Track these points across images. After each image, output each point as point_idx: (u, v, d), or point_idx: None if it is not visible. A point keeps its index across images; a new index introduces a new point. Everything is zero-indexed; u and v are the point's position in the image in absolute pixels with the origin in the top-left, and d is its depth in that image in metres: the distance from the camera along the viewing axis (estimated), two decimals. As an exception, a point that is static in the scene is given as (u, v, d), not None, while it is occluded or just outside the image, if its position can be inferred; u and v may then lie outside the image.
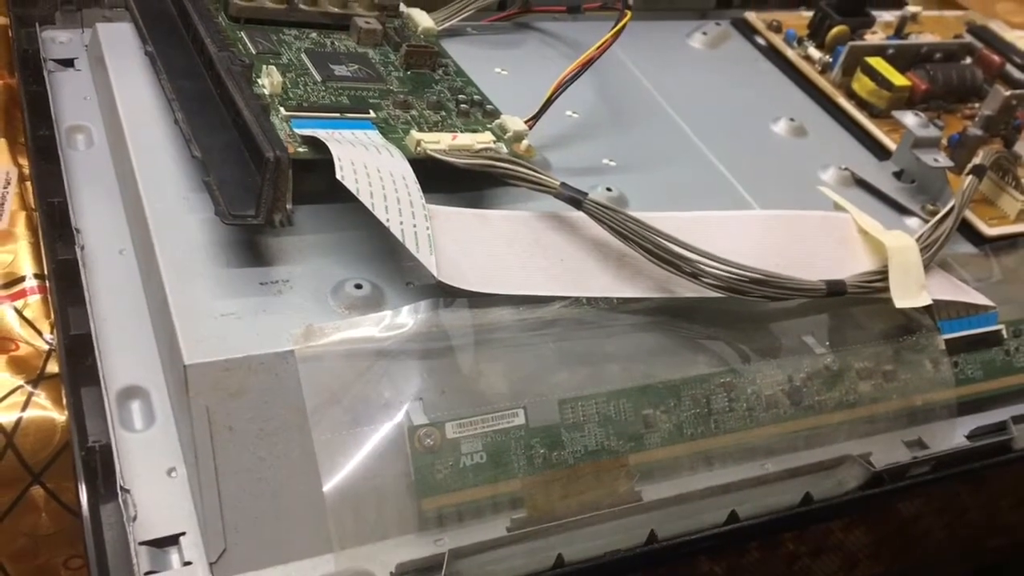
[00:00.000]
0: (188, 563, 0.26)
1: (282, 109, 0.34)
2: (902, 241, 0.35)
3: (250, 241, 0.31)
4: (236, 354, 0.28)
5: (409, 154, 0.34)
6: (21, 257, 0.35)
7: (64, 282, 0.33)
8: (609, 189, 0.38)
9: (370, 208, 0.30)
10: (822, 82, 0.49)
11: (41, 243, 0.35)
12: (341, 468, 0.27)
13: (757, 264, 0.32)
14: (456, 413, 0.29)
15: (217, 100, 0.34)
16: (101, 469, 0.28)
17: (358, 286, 0.30)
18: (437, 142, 0.34)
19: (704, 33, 0.52)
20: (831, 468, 0.34)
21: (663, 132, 0.43)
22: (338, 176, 0.30)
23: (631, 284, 0.33)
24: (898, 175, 0.44)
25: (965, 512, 0.50)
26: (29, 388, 0.31)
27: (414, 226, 0.30)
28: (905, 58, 0.50)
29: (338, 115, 0.35)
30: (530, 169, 0.33)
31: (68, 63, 0.43)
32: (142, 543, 0.26)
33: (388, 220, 0.30)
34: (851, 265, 0.35)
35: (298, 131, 0.33)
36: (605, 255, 0.33)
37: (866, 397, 0.35)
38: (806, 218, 0.36)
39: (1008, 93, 0.47)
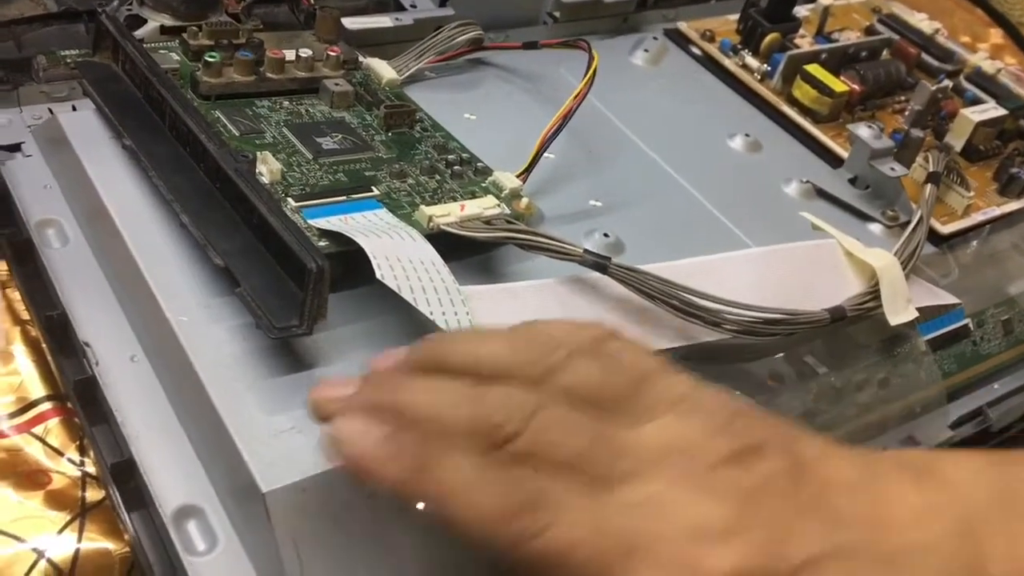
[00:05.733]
0: None
1: (291, 200, 0.34)
2: (886, 260, 0.38)
3: (285, 345, 0.31)
4: (309, 472, 0.27)
5: (422, 230, 0.34)
6: (28, 379, 0.33)
7: (87, 403, 0.32)
8: (606, 235, 0.39)
9: (412, 303, 0.30)
10: (764, 91, 0.51)
11: (51, 362, 0.33)
12: (431, 568, 0.28)
13: (761, 301, 0.34)
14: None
15: (218, 196, 0.34)
16: (182, 604, 0.28)
17: (406, 378, 0.31)
18: (448, 215, 0.35)
19: (645, 50, 0.53)
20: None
21: (636, 164, 0.44)
22: (378, 276, 0.30)
23: (655, 336, 0.34)
24: (852, 181, 0.46)
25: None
26: (77, 523, 0.30)
27: (455, 314, 0.31)
28: (835, 60, 0.52)
29: (344, 197, 0.35)
30: (550, 239, 0.33)
31: (14, 148, 0.41)
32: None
33: (431, 312, 0.30)
34: (843, 288, 0.37)
35: (313, 223, 0.33)
36: (627, 311, 0.34)
37: (865, 406, 0.38)
38: (797, 249, 0.38)
39: (934, 87, 0.50)
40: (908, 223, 0.42)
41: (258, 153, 0.35)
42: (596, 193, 0.42)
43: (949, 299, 0.41)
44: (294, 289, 0.30)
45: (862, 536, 0.23)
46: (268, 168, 0.34)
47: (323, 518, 0.27)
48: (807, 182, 0.45)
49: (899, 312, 0.37)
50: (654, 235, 0.40)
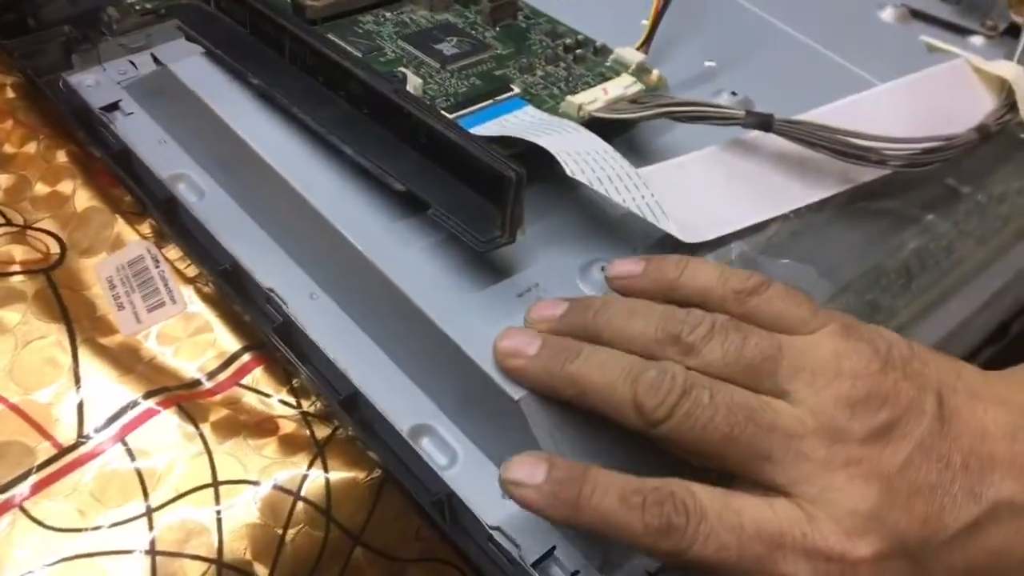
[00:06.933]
0: (576, 572, 0.28)
1: (444, 114, 0.33)
2: (1016, 70, 0.38)
3: (480, 257, 0.31)
4: (552, 373, 0.28)
5: (575, 120, 0.34)
6: (220, 334, 0.34)
7: (292, 346, 0.32)
8: (734, 93, 0.39)
9: (604, 193, 0.30)
10: (831, -83, 0.50)
11: (236, 314, 0.34)
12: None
13: (912, 133, 0.35)
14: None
15: (366, 121, 0.33)
16: (449, 517, 0.29)
17: (603, 269, 0.31)
18: (594, 100, 0.35)
19: None
20: (1009, 288, 0.38)
21: (732, 17, 0.44)
22: (568, 173, 0.30)
23: (819, 186, 0.34)
24: (943, -3, 0.46)
25: None
26: (319, 460, 0.31)
27: (643, 197, 0.31)
28: None
29: (490, 101, 0.34)
30: (709, 106, 0.33)
31: (112, 107, 0.40)
32: (533, 564, 0.28)
33: (623, 200, 0.30)
34: (978, 105, 0.38)
35: (473, 132, 0.33)
36: (788, 166, 0.34)
37: (1007, 216, 0.39)
38: (933, 75, 0.38)
39: None
40: (1017, 29, 0.42)
41: (397, 71, 0.34)
42: (706, 53, 0.41)
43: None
44: (479, 200, 0.30)
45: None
46: (411, 85, 0.34)
47: (571, 413, 0.28)
48: (901, 4, 0.45)
49: (1035, 120, 0.38)
50: (776, 85, 0.40)
